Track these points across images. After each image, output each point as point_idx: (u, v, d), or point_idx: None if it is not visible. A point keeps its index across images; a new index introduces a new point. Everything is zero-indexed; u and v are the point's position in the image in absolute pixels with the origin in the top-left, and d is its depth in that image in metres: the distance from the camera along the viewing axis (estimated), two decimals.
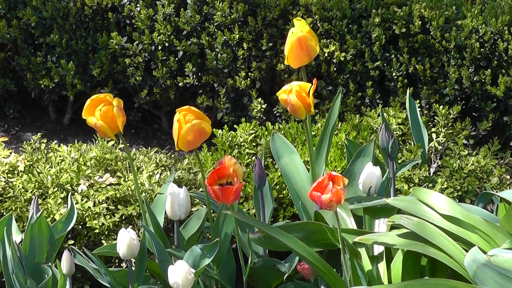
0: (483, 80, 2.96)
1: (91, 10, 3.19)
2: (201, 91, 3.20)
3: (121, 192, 2.52)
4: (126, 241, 2.12)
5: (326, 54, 3.07)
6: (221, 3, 3.10)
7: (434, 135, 2.86)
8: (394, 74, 3.03)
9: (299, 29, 2.27)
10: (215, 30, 3.12)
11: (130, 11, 3.18)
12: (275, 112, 3.16)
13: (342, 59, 3.05)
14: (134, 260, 2.23)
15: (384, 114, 2.83)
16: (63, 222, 2.33)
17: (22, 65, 3.26)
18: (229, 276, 2.34)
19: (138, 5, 3.18)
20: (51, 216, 2.44)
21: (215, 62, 3.12)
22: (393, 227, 2.17)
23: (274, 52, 3.13)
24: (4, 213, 2.44)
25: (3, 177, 2.58)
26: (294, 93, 2.20)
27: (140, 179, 2.57)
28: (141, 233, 2.40)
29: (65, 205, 2.48)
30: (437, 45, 3.01)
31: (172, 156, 2.79)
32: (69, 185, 2.55)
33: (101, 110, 2.12)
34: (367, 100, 3.07)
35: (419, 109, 2.89)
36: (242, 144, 2.78)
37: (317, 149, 2.46)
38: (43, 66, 3.23)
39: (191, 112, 2.11)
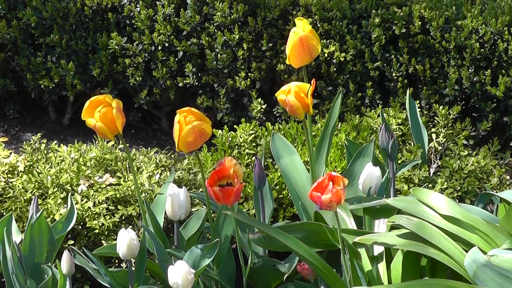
0: (483, 81, 2.96)
1: (91, 11, 3.19)
2: (201, 92, 3.20)
3: (121, 193, 2.52)
4: (126, 241, 2.12)
5: (326, 55, 3.07)
6: (221, 3, 3.10)
7: (434, 136, 2.86)
8: (394, 74, 3.03)
9: (301, 28, 2.27)
10: (215, 30, 3.12)
11: (130, 12, 3.18)
12: (275, 113, 3.16)
13: (342, 59, 3.05)
14: (134, 261, 2.23)
15: (384, 114, 2.83)
16: (63, 222, 2.33)
17: (22, 65, 3.26)
18: (229, 276, 2.34)
19: (138, 6, 3.18)
20: (51, 216, 2.44)
21: (215, 62, 3.12)
22: (393, 227, 2.17)
23: (274, 53, 3.13)
24: (4, 213, 2.44)
25: (3, 177, 2.58)
26: (293, 94, 2.20)
27: (140, 179, 2.57)
28: (141, 233, 2.40)
29: (65, 205, 2.48)
30: (437, 45, 3.01)
31: (172, 156, 2.79)
32: (69, 185, 2.55)
33: (100, 111, 2.12)
34: (367, 100, 3.07)
35: (419, 109, 2.89)
36: (242, 144, 2.78)
37: (317, 149, 2.46)
38: (43, 66, 3.24)
39: (191, 114, 2.11)
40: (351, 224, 2.28)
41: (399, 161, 2.67)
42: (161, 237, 2.27)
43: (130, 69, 3.17)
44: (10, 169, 2.63)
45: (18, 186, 2.54)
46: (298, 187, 2.47)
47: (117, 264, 2.43)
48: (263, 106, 3.08)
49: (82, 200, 2.49)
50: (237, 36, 3.09)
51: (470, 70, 2.97)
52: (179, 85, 3.17)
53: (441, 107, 2.92)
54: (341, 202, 1.96)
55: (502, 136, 3.05)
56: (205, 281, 2.31)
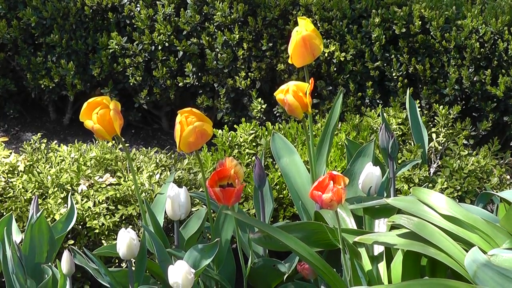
0: (483, 80, 2.96)
1: (91, 10, 3.19)
2: (201, 91, 3.20)
3: (121, 192, 2.52)
4: (126, 241, 2.12)
5: (326, 54, 3.07)
6: (221, 3, 3.10)
7: (434, 135, 2.86)
8: (394, 74, 3.03)
9: (304, 27, 2.27)
10: (215, 30, 3.12)
11: (130, 11, 3.18)
12: (275, 112, 3.16)
13: (342, 59, 3.05)
14: (134, 260, 2.23)
15: (384, 114, 2.83)
16: (63, 222, 2.33)
17: (22, 65, 3.26)
18: (229, 276, 2.34)
19: (138, 5, 3.18)
20: (51, 216, 2.44)
21: (215, 62, 3.12)
22: (393, 227, 2.17)
23: (274, 52, 3.13)
24: (4, 213, 2.44)
25: (3, 177, 2.58)
26: (291, 93, 2.20)
27: (140, 179, 2.57)
28: (141, 233, 2.40)
29: (65, 205, 2.48)
30: (437, 45, 3.01)
31: (172, 156, 2.79)
32: (69, 185, 2.55)
33: (98, 113, 2.12)
34: (367, 100, 3.07)
35: (419, 109, 2.89)
36: (242, 144, 2.78)
37: (318, 149, 2.46)
38: (43, 66, 3.24)
39: (192, 114, 2.11)
40: (351, 223, 2.28)
41: (399, 161, 2.67)
42: (161, 237, 2.27)
43: (130, 69, 3.17)
44: (10, 169, 2.63)
45: (18, 186, 2.54)
46: (298, 186, 2.47)
47: (117, 264, 2.43)
48: (263, 106, 3.08)
49: (82, 200, 2.49)
50: (237, 36, 3.09)
51: (470, 69, 2.97)
52: (179, 85, 3.17)
53: (441, 106, 2.92)
54: (341, 201, 1.96)
55: (502, 135, 3.05)
56: (205, 281, 2.31)
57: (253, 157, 2.71)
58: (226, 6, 3.09)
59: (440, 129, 2.88)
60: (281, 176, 2.57)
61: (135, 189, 2.40)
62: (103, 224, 2.46)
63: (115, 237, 2.42)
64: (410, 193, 2.34)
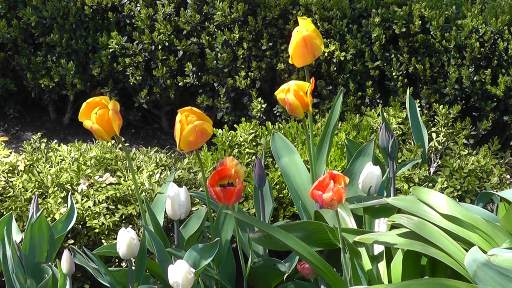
0: (483, 80, 2.96)
1: (91, 10, 3.19)
2: (201, 91, 3.20)
3: (121, 192, 2.52)
4: (126, 240, 2.12)
5: (326, 54, 3.07)
6: (221, 2, 3.10)
7: (434, 135, 2.86)
8: (394, 73, 3.03)
9: (304, 27, 2.26)
10: (215, 29, 3.12)
11: (130, 11, 3.18)
12: (275, 112, 3.16)
13: (342, 58, 3.05)
14: (134, 260, 2.23)
15: (384, 113, 2.83)
16: (63, 222, 2.33)
17: (22, 65, 3.26)
18: (229, 275, 2.34)
19: (138, 5, 3.18)
20: (51, 215, 2.44)
21: (215, 61, 3.12)
22: (393, 226, 2.17)
23: (274, 52, 3.13)
24: (4, 213, 2.44)
25: (3, 176, 2.58)
26: (292, 93, 2.20)
27: (140, 178, 2.57)
28: (141, 232, 2.40)
29: (65, 204, 2.48)
30: (437, 44, 3.01)
31: (172, 155, 2.79)
32: (69, 184, 2.55)
33: (97, 113, 2.12)
34: (367, 99, 3.07)
35: (419, 108, 2.89)
36: (242, 143, 2.78)
37: (318, 148, 2.46)
38: (43, 65, 3.24)
39: (193, 113, 2.11)
40: (351, 223, 2.28)
41: (399, 161, 2.67)
42: (161, 236, 2.27)
43: (130, 68, 3.17)
44: (10, 168, 2.63)
45: (18, 186, 2.54)
46: (298, 186, 2.47)
47: (117, 264, 2.43)
48: (263, 106, 3.08)
49: (82, 200, 2.49)
50: (237, 35, 3.09)
51: (470, 69, 2.97)
52: (179, 84, 3.17)
53: (441, 106, 2.92)
54: (342, 201, 1.96)
55: (502, 135, 3.05)
56: (205, 280, 2.31)
57: (253, 157, 2.71)
58: (226, 5, 3.09)
59: (440, 129, 2.88)
60: (281, 176, 2.57)
61: (135, 189, 2.40)
62: (103, 223, 2.46)
63: (115, 236, 2.42)
64: (410, 192, 2.34)
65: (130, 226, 2.48)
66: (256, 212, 2.41)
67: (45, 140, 2.85)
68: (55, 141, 2.91)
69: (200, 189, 2.60)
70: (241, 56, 3.11)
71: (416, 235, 2.06)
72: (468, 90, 2.99)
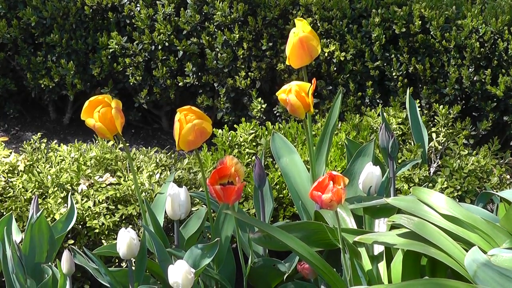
0: (483, 80, 2.96)
1: (91, 10, 3.19)
2: (201, 91, 3.20)
3: (121, 192, 2.52)
4: (126, 240, 2.12)
5: (326, 54, 3.07)
6: (221, 2, 3.10)
7: (434, 135, 2.86)
8: (394, 73, 3.03)
9: (301, 29, 2.27)
10: (215, 29, 3.12)
11: (130, 11, 3.18)
12: (275, 112, 3.16)
13: (342, 59, 3.05)
14: (134, 260, 2.23)
15: (384, 113, 2.83)
16: (63, 222, 2.33)
17: (22, 65, 3.26)
18: (229, 275, 2.34)
19: (138, 5, 3.18)
20: (51, 215, 2.44)
21: (215, 61, 3.12)
22: (393, 226, 2.17)
23: (274, 52, 3.13)
24: (4, 213, 2.44)
25: (3, 176, 2.58)
26: (294, 93, 2.20)
27: (140, 178, 2.57)
28: (141, 232, 2.40)
29: (65, 204, 2.48)
30: (437, 44, 3.01)
31: (172, 155, 2.79)
32: (69, 184, 2.55)
33: (100, 111, 2.12)
34: (367, 100, 3.07)
35: (419, 108, 2.89)
36: (242, 143, 2.78)
37: (317, 148, 2.46)
38: (43, 65, 3.24)
39: (192, 112, 2.11)
40: (351, 223, 2.28)
41: (399, 161, 2.67)
42: (161, 236, 2.27)
43: (130, 68, 3.17)
44: (10, 168, 2.63)
45: (18, 186, 2.54)
46: (298, 186, 2.47)
47: (117, 264, 2.43)
48: (263, 106, 3.08)
49: (82, 200, 2.49)
50: (237, 35, 3.09)
51: (470, 69, 2.97)
52: (179, 84, 3.17)
53: (441, 106, 2.92)
54: (341, 201, 1.96)
55: (502, 135, 3.05)
56: (205, 280, 2.31)
57: (253, 157, 2.71)
58: (226, 5, 3.09)
59: (440, 129, 2.88)
60: (281, 176, 2.57)
61: (135, 189, 2.41)
62: (103, 223, 2.46)
63: (115, 236, 2.42)
64: (410, 192, 2.34)
65: (130, 226, 2.48)
66: (256, 212, 2.41)
67: (45, 140, 2.85)
68: (55, 141, 2.91)
69: (200, 189, 2.60)
70: (241, 56, 3.11)
71: (416, 235, 2.06)
72: (468, 90, 2.99)
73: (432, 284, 1.93)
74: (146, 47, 3.15)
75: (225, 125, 2.89)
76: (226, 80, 3.14)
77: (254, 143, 2.78)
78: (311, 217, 2.40)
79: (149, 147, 2.85)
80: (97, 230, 2.44)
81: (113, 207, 2.51)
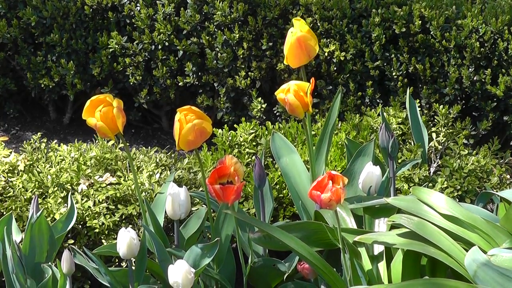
0: (483, 80, 2.96)
1: (91, 10, 3.19)
2: (201, 91, 3.20)
3: (121, 192, 2.52)
4: (126, 240, 2.12)
5: (326, 54, 3.07)
6: (221, 2, 3.10)
7: (434, 135, 2.86)
8: (394, 73, 3.03)
9: (299, 28, 2.27)
10: (215, 29, 3.12)
11: (130, 11, 3.18)
12: (275, 112, 3.16)
13: (342, 58, 3.05)
14: (134, 260, 2.23)
15: (384, 113, 2.83)
16: (63, 222, 2.33)
17: (22, 65, 3.26)
18: (229, 275, 2.34)
19: (138, 5, 3.18)
20: (51, 215, 2.44)
21: (215, 61, 3.12)
22: (393, 226, 2.17)
23: (274, 52, 3.13)
24: (4, 213, 2.44)
25: (3, 176, 2.58)
26: (292, 93, 2.20)
27: (140, 178, 2.57)
28: (141, 232, 2.40)
29: (65, 204, 2.48)
30: (437, 44, 3.01)
31: (172, 155, 2.79)
32: (69, 184, 2.55)
33: (101, 111, 2.12)
34: (367, 99, 3.07)
35: (419, 108, 2.89)
36: (242, 143, 2.78)
37: (317, 148, 2.46)
38: (43, 65, 3.24)
39: (192, 112, 2.11)
40: (351, 223, 2.28)
41: (399, 160, 2.67)
42: (161, 236, 2.27)
43: (130, 68, 3.17)
44: (10, 168, 2.63)
45: (18, 186, 2.54)
46: (298, 186, 2.47)
47: (117, 264, 2.43)
48: (263, 105, 3.08)
49: (82, 200, 2.49)
50: (237, 35, 3.09)
51: (470, 69, 2.97)
52: (179, 84, 3.17)
53: (441, 106, 2.92)
54: (340, 201, 1.96)
55: (502, 135, 3.05)
56: (205, 280, 2.31)
57: (253, 157, 2.71)
58: (226, 5, 3.09)
59: (440, 129, 2.88)
60: (281, 176, 2.57)
61: (135, 189, 2.41)
62: (103, 223, 2.46)
63: (115, 236, 2.42)
64: (410, 192, 2.34)
65: (130, 226, 2.48)
66: (256, 212, 2.41)
67: (45, 140, 2.85)
68: (55, 141, 2.91)
69: (200, 189, 2.60)
70: (241, 56, 3.11)
71: (416, 235, 2.06)
72: (468, 90, 2.99)
73: (432, 284, 1.92)
74: (146, 47, 3.15)
75: (225, 125, 2.89)
76: (226, 80, 3.14)
77: (254, 143, 2.78)
78: (311, 217, 2.40)
79: (149, 147, 2.85)
80: (97, 230, 2.44)
81: (113, 207, 2.51)
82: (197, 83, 3.17)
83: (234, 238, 2.36)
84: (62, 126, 3.41)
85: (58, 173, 2.58)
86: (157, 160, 2.71)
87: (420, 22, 3.01)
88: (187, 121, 2.10)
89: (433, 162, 2.81)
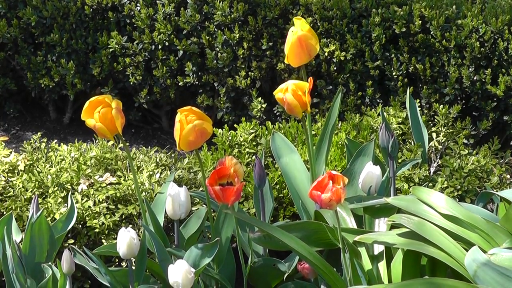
0: (483, 80, 2.96)
1: (91, 10, 3.19)
2: (201, 91, 3.20)
3: (121, 192, 2.52)
4: (126, 240, 2.12)
5: (326, 54, 3.07)
6: (221, 2, 3.10)
7: (434, 135, 2.86)
8: (394, 73, 3.03)
9: (299, 28, 2.27)
10: (215, 29, 3.12)
11: (130, 11, 3.18)
12: (275, 112, 3.16)
13: (342, 58, 3.05)
14: (134, 260, 2.23)
15: (384, 113, 2.83)
16: (63, 222, 2.33)
17: (22, 65, 3.26)
18: (229, 275, 2.34)
19: (138, 5, 3.18)
20: (51, 215, 2.44)
21: (215, 61, 3.12)
22: (393, 226, 2.17)
23: (274, 52, 3.13)
24: (4, 213, 2.44)
25: (3, 176, 2.58)
26: (290, 92, 2.20)
27: (140, 178, 2.57)
28: (141, 232, 2.40)
29: (65, 204, 2.48)
30: (437, 44, 3.00)
31: (172, 155, 2.79)
32: (69, 184, 2.55)
33: (100, 112, 2.12)
34: (367, 99, 3.07)
35: (419, 108, 2.89)
36: (242, 143, 2.78)
37: (317, 148, 2.46)
38: (43, 65, 3.24)
39: (192, 113, 2.11)
40: (351, 223, 2.28)
41: (399, 160, 2.67)
42: (161, 236, 2.27)
43: (130, 68, 3.17)
44: (11, 168, 2.63)
45: (19, 185, 2.54)
46: (298, 186, 2.47)
47: (117, 263, 2.43)
48: (263, 105, 3.08)
49: (82, 199, 2.49)
50: (237, 35, 3.09)
51: (470, 69, 2.97)
52: (179, 84, 3.17)
53: (441, 106, 2.92)
54: (341, 201, 1.96)
55: (502, 135, 3.05)
56: (205, 280, 2.31)
57: (253, 157, 2.71)
58: (226, 5, 3.09)
59: (440, 129, 2.88)
60: (281, 176, 2.57)
61: (135, 188, 2.41)
62: (103, 223, 2.46)
63: (115, 236, 2.42)
64: (410, 192, 2.34)
65: (130, 226, 2.48)
66: (256, 212, 2.41)
67: (45, 140, 2.85)
68: (55, 141, 2.91)
69: (200, 189, 2.60)
70: (241, 56, 3.11)
71: (416, 235, 2.06)
72: (468, 90, 2.99)
73: (432, 283, 1.92)
74: (146, 46, 3.15)
75: (225, 125, 2.89)
76: (226, 80, 3.14)
77: (254, 143, 2.78)
78: (311, 216, 2.40)
79: (149, 147, 2.85)
80: (97, 230, 2.44)
81: (113, 207, 2.51)
82: (197, 83, 3.17)
83: (234, 238, 2.36)
84: (62, 126, 3.41)
85: (58, 173, 2.58)
86: (157, 160, 2.71)
87: (420, 22, 3.01)
88: (187, 122, 2.10)
89: (433, 162, 2.81)
